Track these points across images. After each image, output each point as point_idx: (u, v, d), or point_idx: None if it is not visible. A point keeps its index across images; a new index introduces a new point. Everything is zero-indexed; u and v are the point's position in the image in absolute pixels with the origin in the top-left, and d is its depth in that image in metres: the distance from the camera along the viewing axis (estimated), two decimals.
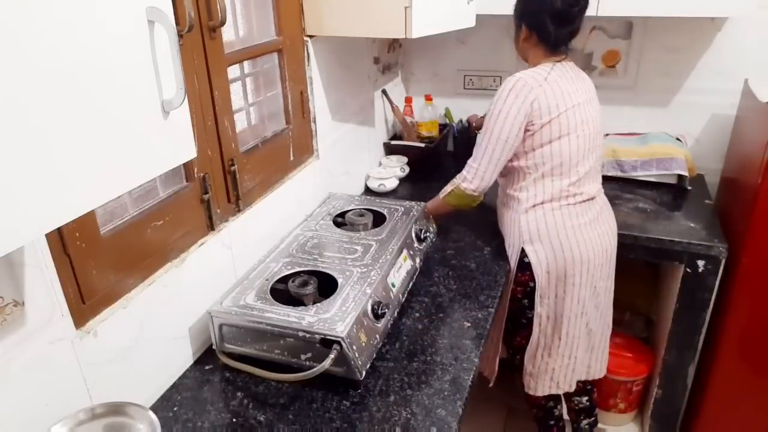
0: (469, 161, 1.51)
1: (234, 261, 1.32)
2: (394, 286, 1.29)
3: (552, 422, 1.78)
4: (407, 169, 2.10)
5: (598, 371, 1.72)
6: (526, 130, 1.44)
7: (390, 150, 2.22)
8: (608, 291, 1.65)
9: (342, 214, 1.59)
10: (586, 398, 1.82)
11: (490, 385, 1.75)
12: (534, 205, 1.49)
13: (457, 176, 1.54)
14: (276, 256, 1.36)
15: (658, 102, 2.14)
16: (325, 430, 1.03)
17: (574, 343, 1.59)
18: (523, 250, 1.52)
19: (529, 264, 1.51)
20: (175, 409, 1.09)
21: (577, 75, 1.50)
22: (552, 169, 1.46)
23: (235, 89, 1.35)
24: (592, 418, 1.84)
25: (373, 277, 1.25)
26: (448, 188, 1.57)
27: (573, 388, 1.67)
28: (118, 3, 0.61)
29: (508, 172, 1.54)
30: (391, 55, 2.26)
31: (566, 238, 1.47)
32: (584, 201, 1.49)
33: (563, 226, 1.48)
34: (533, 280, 1.52)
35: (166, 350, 1.14)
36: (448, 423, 1.03)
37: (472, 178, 1.49)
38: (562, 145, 1.44)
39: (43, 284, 0.86)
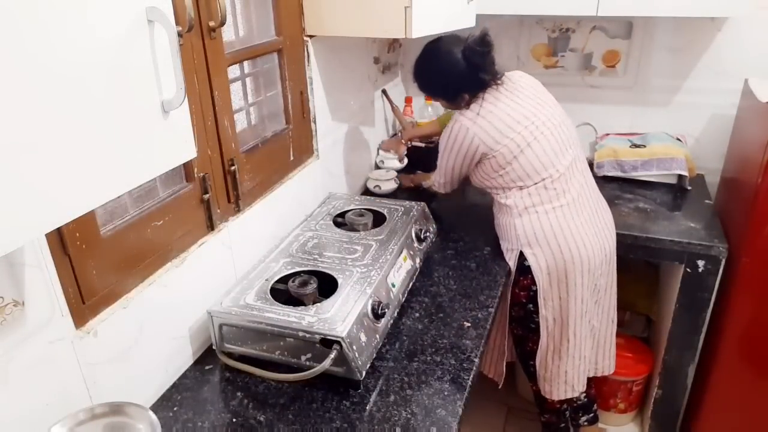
0: (435, 173, 1.68)
1: (234, 261, 1.32)
2: (394, 286, 1.29)
3: (563, 425, 1.78)
4: (406, 160, 2.10)
5: (606, 367, 1.74)
6: (480, 161, 1.50)
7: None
8: (609, 288, 1.65)
9: (342, 214, 1.59)
10: (584, 395, 1.82)
11: (499, 387, 1.75)
12: (526, 208, 1.49)
13: (433, 178, 1.72)
14: (276, 256, 1.36)
15: (658, 102, 2.14)
16: (325, 430, 1.03)
17: (583, 344, 1.59)
18: (522, 254, 1.51)
19: (529, 267, 1.51)
20: (175, 409, 1.09)
21: (511, 89, 1.50)
22: (526, 178, 1.47)
23: (235, 89, 1.35)
24: (591, 414, 1.84)
25: (373, 277, 1.25)
26: (427, 183, 1.79)
27: (585, 388, 1.68)
28: (117, 3, 0.61)
29: (491, 185, 1.56)
30: (391, 55, 2.26)
31: (564, 240, 1.47)
32: (575, 199, 1.49)
33: (560, 227, 1.47)
34: (535, 283, 1.52)
35: (166, 350, 1.14)
36: (448, 423, 1.03)
37: (438, 187, 1.70)
38: (527, 156, 1.46)
39: (43, 284, 0.86)
